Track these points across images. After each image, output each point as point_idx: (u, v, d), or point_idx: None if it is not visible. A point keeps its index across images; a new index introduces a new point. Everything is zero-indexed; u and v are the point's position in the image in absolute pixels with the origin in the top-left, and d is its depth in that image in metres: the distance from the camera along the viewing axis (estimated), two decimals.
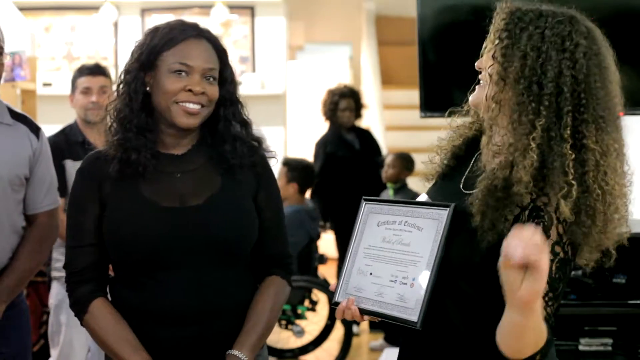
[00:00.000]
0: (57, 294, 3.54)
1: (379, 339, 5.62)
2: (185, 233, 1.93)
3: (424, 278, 1.66)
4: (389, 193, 5.46)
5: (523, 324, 1.46)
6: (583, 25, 1.66)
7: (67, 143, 3.60)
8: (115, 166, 1.95)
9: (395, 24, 9.45)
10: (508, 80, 1.63)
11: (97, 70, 3.75)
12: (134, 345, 1.91)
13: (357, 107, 5.96)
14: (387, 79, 9.20)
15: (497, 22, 1.69)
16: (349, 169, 5.88)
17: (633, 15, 3.28)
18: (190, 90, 1.94)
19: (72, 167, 3.49)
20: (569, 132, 1.59)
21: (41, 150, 2.67)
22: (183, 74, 1.94)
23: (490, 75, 1.67)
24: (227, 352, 1.95)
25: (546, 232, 1.56)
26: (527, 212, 1.59)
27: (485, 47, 1.72)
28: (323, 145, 5.96)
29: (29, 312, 2.79)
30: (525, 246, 1.36)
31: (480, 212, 1.61)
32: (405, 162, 5.43)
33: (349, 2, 9.84)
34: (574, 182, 1.55)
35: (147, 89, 1.98)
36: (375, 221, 1.82)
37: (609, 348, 3.38)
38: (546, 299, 1.56)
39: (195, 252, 1.94)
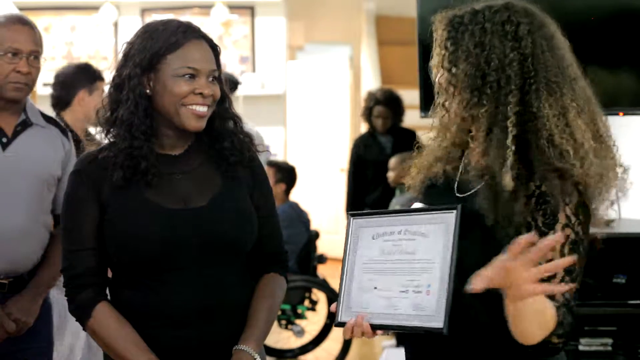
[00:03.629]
0: (59, 299, 3.49)
1: (391, 339, 5.60)
2: (191, 234, 1.93)
3: (441, 283, 1.63)
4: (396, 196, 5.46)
5: (517, 310, 1.51)
6: (519, 6, 1.71)
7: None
8: (119, 173, 1.93)
9: (395, 24, 9.44)
10: (457, 84, 1.69)
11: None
12: (142, 348, 1.91)
13: (394, 112, 5.89)
14: (387, 79, 9.19)
15: (439, 34, 1.74)
16: (376, 172, 5.84)
17: (633, 15, 3.28)
18: (200, 94, 1.93)
19: None
20: (514, 109, 1.64)
21: (71, 152, 2.78)
22: (190, 77, 1.94)
23: (440, 84, 1.72)
24: (234, 348, 1.95)
25: (553, 217, 1.60)
26: (533, 200, 1.62)
27: (433, 60, 1.77)
28: (356, 147, 5.96)
29: (52, 309, 2.85)
30: (489, 273, 1.47)
31: (486, 210, 1.63)
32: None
33: (349, 2, 9.84)
34: (510, 154, 1.61)
35: (147, 92, 1.96)
36: (368, 235, 1.78)
37: (609, 348, 3.37)
38: (562, 283, 1.58)
39: (201, 253, 1.94)
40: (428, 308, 1.63)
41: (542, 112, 1.63)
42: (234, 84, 5.28)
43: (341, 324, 1.76)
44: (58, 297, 3.50)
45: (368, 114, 5.87)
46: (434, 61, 1.75)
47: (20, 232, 2.58)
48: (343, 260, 1.81)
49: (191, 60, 1.94)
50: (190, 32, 1.97)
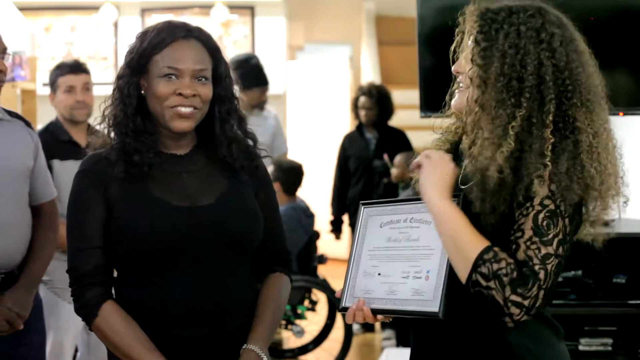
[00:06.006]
0: (45, 296, 3.48)
1: (390, 339, 5.60)
2: (198, 232, 1.94)
3: (439, 269, 1.67)
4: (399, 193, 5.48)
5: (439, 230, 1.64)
6: (552, 15, 1.71)
7: (54, 141, 3.56)
8: (120, 167, 1.94)
9: (395, 24, 9.45)
10: (489, 82, 1.67)
11: (78, 67, 3.74)
12: (148, 347, 1.91)
13: (380, 106, 5.91)
14: (387, 79, 9.19)
15: (469, 25, 1.73)
16: (358, 166, 5.87)
17: (633, 15, 3.28)
18: (180, 94, 1.93)
19: (60, 166, 3.49)
20: (551, 118, 1.64)
21: (38, 142, 2.77)
22: (173, 77, 1.93)
23: (471, 79, 1.70)
24: (243, 347, 1.96)
25: (534, 189, 1.60)
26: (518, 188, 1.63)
27: (459, 51, 1.76)
28: (343, 142, 6.04)
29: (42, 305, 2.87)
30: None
31: (478, 198, 1.64)
32: (407, 161, 5.42)
33: (349, 2, 9.84)
34: (549, 163, 1.60)
35: (142, 92, 1.98)
36: (377, 223, 1.82)
37: (609, 348, 3.38)
38: (528, 243, 1.59)
39: (207, 251, 1.94)
40: (426, 293, 1.67)
41: (583, 127, 1.64)
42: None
43: (345, 309, 1.79)
44: (43, 293, 3.50)
45: (355, 106, 5.94)
46: (463, 53, 1.75)
47: (5, 228, 2.57)
48: (351, 248, 1.86)
49: (173, 60, 1.94)
50: (178, 32, 1.96)
